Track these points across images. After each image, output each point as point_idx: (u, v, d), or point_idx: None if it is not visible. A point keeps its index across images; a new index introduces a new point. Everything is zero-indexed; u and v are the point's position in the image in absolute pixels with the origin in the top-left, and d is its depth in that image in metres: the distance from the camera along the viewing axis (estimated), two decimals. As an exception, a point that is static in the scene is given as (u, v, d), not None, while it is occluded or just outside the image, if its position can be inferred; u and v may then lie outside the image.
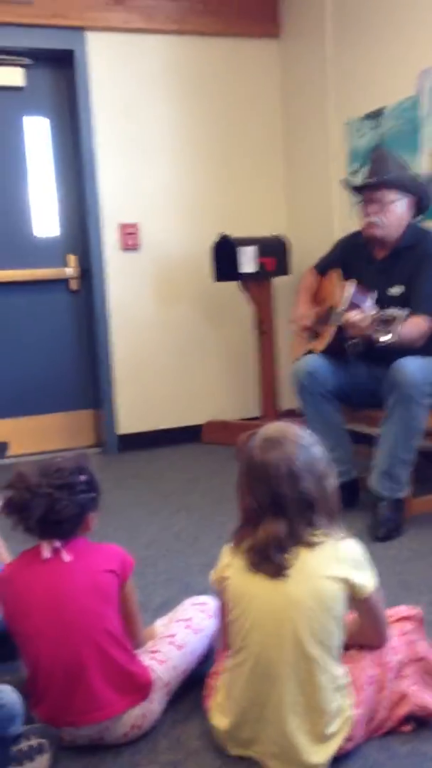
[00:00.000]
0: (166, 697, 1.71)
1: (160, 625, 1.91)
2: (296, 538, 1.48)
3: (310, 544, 1.49)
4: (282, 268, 4.15)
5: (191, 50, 4.34)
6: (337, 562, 1.50)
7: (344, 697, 1.52)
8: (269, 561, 1.48)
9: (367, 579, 1.54)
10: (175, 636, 1.79)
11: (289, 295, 4.41)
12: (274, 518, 1.49)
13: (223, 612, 1.60)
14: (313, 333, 3.19)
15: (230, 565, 1.55)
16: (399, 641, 1.65)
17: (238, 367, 4.63)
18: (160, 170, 4.36)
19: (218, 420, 4.51)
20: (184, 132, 4.38)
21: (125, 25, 4.15)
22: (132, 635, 1.69)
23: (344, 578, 1.49)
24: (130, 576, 1.69)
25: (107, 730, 1.60)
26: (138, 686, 1.63)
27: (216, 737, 1.61)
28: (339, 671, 1.52)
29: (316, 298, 3.28)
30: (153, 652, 1.74)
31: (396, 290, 2.95)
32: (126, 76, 4.23)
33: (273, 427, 1.56)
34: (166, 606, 2.25)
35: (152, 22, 4.20)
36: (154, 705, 1.66)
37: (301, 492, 1.48)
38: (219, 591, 1.61)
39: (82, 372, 4.47)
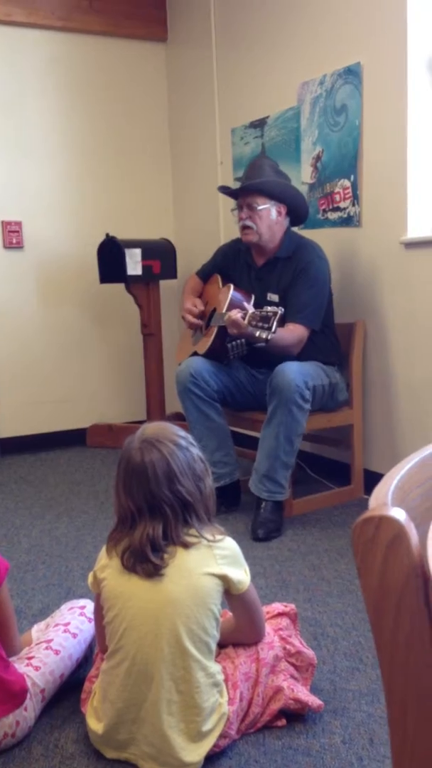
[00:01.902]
0: (41, 703, 1.68)
1: (37, 630, 1.87)
2: (172, 539, 1.49)
3: (187, 544, 1.50)
4: (168, 272, 4.15)
5: (76, 48, 4.29)
6: (213, 559, 1.52)
7: (220, 694, 1.54)
8: (145, 561, 1.48)
9: (243, 575, 1.57)
10: (52, 641, 1.76)
11: (176, 298, 4.43)
12: (150, 519, 1.49)
13: (100, 614, 1.59)
14: (198, 334, 3.22)
15: (107, 566, 1.55)
16: (274, 637, 1.69)
17: (125, 369, 4.60)
18: (46, 168, 4.28)
19: (103, 423, 4.48)
20: (70, 130, 4.33)
21: (7, 18, 4.06)
22: (6, 642, 1.65)
23: (222, 575, 1.52)
24: (5, 581, 1.64)
25: (-22, 740, 1.56)
26: (12, 695, 1.59)
27: (92, 741, 1.59)
28: (215, 667, 1.54)
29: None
30: (29, 658, 1.71)
31: (273, 297, 3.02)
32: (8, 69, 4.14)
33: (151, 428, 1.57)
34: (45, 612, 2.22)
35: (35, 17, 4.13)
36: (28, 712, 1.62)
37: (178, 493, 1.50)
38: (96, 593, 1.60)
39: (-39, 373, 4.34)
